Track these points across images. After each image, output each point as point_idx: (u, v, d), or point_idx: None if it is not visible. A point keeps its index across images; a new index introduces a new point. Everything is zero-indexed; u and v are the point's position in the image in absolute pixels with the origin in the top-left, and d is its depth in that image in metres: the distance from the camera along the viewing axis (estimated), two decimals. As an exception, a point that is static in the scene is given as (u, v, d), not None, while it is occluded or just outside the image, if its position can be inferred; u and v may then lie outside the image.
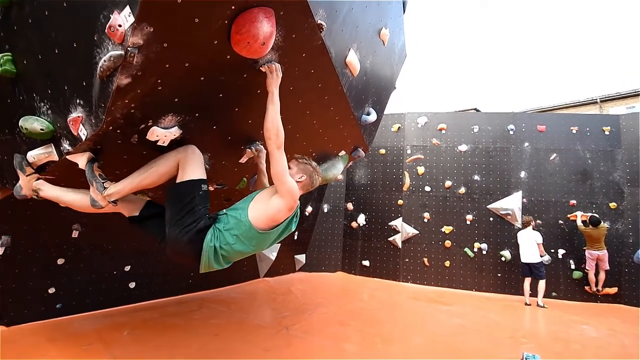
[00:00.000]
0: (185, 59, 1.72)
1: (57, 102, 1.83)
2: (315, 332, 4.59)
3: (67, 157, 1.98)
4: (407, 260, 7.70)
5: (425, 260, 7.53)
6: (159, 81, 1.72)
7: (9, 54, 1.94)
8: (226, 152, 2.41)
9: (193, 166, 2.07)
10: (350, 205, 8.32)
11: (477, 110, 11.38)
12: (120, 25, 1.46)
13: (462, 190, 7.47)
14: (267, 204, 2.11)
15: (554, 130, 7.26)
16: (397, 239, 7.76)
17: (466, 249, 7.31)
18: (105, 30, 1.49)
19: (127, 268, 4.87)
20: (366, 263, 8.00)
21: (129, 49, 1.49)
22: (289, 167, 2.20)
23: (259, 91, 2.18)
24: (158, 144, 2.01)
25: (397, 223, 7.79)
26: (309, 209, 7.95)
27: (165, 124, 1.96)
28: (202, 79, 1.87)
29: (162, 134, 1.96)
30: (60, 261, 4.17)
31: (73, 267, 4.30)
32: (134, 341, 3.93)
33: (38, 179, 2.30)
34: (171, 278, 5.45)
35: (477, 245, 7.26)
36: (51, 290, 4.14)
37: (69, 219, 4.14)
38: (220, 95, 2.05)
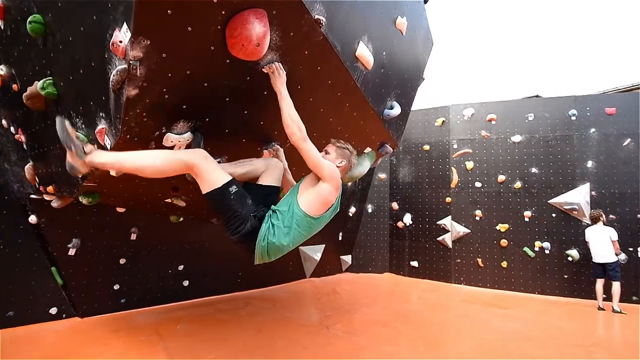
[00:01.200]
0: (185, 67, 1.85)
1: (87, 116, 2.09)
2: (356, 332, 4.55)
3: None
4: (458, 260, 7.29)
5: (479, 260, 7.07)
6: (165, 90, 1.87)
7: (50, 78, 2.26)
8: (243, 154, 2.53)
9: (211, 173, 1.99)
10: (395, 205, 8.12)
11: (539, 97, 10.41)
12: (121, 41, 1.63)
13: (518, 184, 6.89)
14: (317, 191, 2.13)
15: (627, 113, 6.40)
16: (447, 239, 7.39)
17: (526, 249, 6.72)
18: (110, 47, 1.67)
19: (181, 267, 5.28)
20: (415, 264, 7.73)
21: (130, 62, 1.66)
22: (327, 152, 2.30)
23: (265, 92, 2.26)
24: (175, 149, 2.18)
25: (446, 222, 7.42)
26: (352, 209, 7.92)
27: (178, 130, 2.12)
28: (205, 85, 1.99)
29: (176, 139, 2.12)
30: (122, 261, 4.66)
31: (133, 266, 4.78)
32: (186, 335, 4.23)
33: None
34: (221, 277, 5.78)
35: (538, 244, 6.63)
36: (116, 287, 4.64)
37: (127, 223, 4.62)
38: (227, 99, 2.16)
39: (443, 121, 7.69)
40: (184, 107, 2.03)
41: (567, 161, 6.61)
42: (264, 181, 2.38)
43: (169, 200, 3.17)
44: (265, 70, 2.09)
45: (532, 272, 6.66)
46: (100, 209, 4.27)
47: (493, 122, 7.19)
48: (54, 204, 3.22)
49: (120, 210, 4.18)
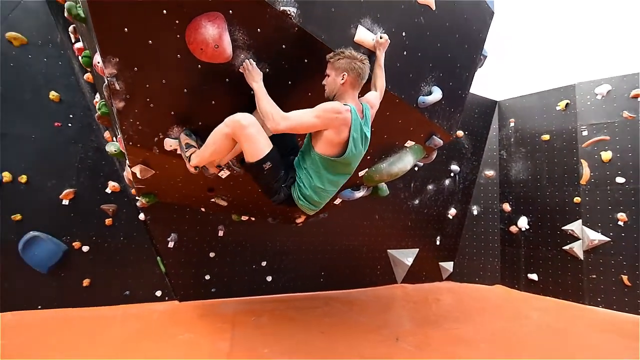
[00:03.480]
0: (159, 77, 2.03)
1: (114, 129, 2.50)
2: (428, 348, 4.08)
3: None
4: (594, 276, 5.73)
5: (625, 278, 5.39)
6: (148, 99, 2.09)
7: (103, 100, 2.79)
8: None
9: (250, 146, 2.01)
10: (507, 206, 6.93)
11: None
12: (98, 62, 1.91)
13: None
14: (320, 135, 2.07)
15: None
16: (577, 248, 5.90)
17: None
18: (95, 69, 1.97)
19: (264, 263, 5.71)
20: (533, 277, 6.42)
21: (107, 79, 1.92)
22: (327, 75, 2.15)
23: (252, 92, 2.27)
24: (178, 152, 2.40)
25: (575, 227, 5.93)
26: (452, 211, 7.13)
27: (175, 134, 2.33)
28: (185, 90, 2.13)
29: (174, 143, 2.34)
30: (211, 254, 5.33)
31: (221, 260, 5.41)
32: (255, 327, 4.55)
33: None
34: (302, 275, 6.00)
35: None
36: (207, 277, 5.33)
37: (215, 222, 5.27)
38: (213, 102, 2.26)
39: (567, 104, 6.23)
40: (172, 112, 2.22)
41: None
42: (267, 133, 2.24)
43: (213, 199, 3.50)
44: (241, 70, 2.11)
45: None
46: (192, 209, 5.01)
47: (640, 98, 5.42)
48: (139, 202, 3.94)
49: (202, 209, 4.80)
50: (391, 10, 2.46)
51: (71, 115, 4.65)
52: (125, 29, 1.79)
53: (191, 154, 2.27)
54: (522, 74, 8.10)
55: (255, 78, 2.08)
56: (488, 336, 4.45)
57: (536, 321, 5.18)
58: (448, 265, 7.24)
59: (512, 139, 7.06)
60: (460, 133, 7.12)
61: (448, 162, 7.10)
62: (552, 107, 6.42)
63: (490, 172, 7.28)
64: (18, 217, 4.30)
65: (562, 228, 6.10)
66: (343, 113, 2.00)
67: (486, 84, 7.64)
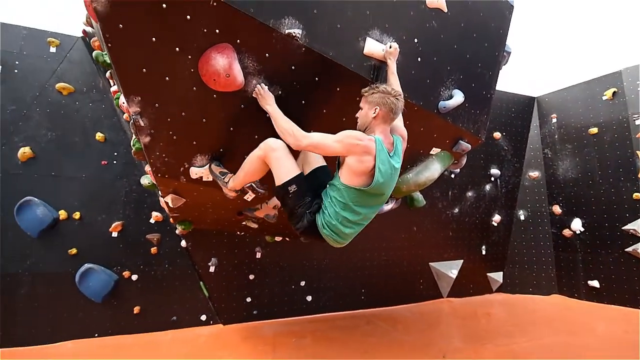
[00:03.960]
0: (179, 110, 2.14)
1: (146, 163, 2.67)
2: (479, 367, 3.82)
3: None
4: (667, 280, 5.10)
5: None
6: (171, 132, 2.21)
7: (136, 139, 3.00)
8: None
9: (277, 168, 2.11)
10: (557, 209, 6.45)
11: None
12: (123, 102, 2.06)
13: None
14: (345, 164, 2.08)
15: None
16: (643, 249, 5.31)
17: None
18: (121, 109, 2.13)
19: (302, 283, 5.69)
20: (594, 284, 5.85)
21: (132, 116, 2.06)
22: (361, 108, 2.18)
23: (267, 115, 2.33)
24: (203, 180, 2.50)
25: (637, 226, 5.38)
26: (497, 217, 6.75)
27: (199, 163, 2.43)
28: (204, 120, 2.24)
29: (199, 171, 2.44)
30: (251, 276, 5.41)
31: (261, 282, 5.47)
32: (296, 348, 4.52)
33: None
34: (343, 293, 5.90)
35: None
36: (248, 300, 5.40)
37: (252, 244, 5.37)
38: (231, 128, 2.34)
39: (614, 92, 5.78)
40: (194, 142, 2.32)
41: None
42: (306, 170, 2.38)
43: (244, 222, 3.57)
44: (253, 96, 2.18)
45: None
46: (229, 233, 5.15)
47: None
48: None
49: (238, 233, 4.92)
50: (400, 19, 2.45)
51: (115, 153, 5.02)
52: (144, 70, 1.93)
53: (229, 179, 2.38)
54: (559, 66, 7.66)
55: (268, 101, 2.14)
56: (546, 352, 4.09)
57: (602, 333, 4.68)
58: (497, 276, 6.80)
59: (556, 136, 6.62)
60: (497, 134, 6.80)
61: (487, 166, 6.78)
62: (597, 97, 5.97)
63: (534, 173, 6.84)
64: (74, 251, 4.65)
65: (622, 228, 5.54)
66: (364, 141, 2.00)
67: (521, 80, 7.29)
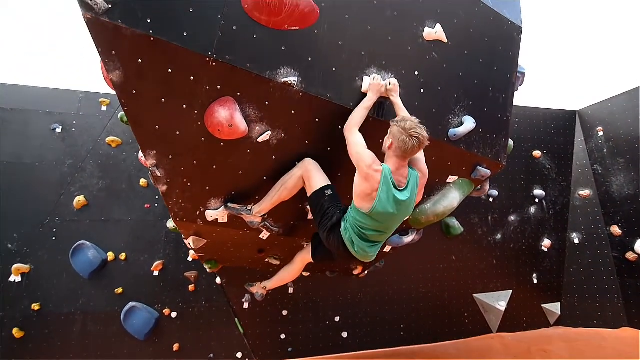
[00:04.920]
0: (191, 160, 2.33)
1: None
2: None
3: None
4: None
5: None
6: (185, 180, 2.39)
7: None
8: (279, 211, 2.69)
9: (314, 178, 2.41)
10: (616, 229, 5.83)
11: None
12: (141, 156, 2.28)
13: None
14: (356, 185, 2.25)
15: None
16: None
17: None
18: (140, 162, 2.35)
19: (337, 318, 5.57)
20: (672, 315, 5.10)
21: (150, 169, 2.27)
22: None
23: (273, 157, 2.45)
24: (219, 222, 2.64)
25: None
26: (547, 242, 6.26)
27: (213, 206, 2.58)
28: (214, 167, 2.40)
29: (214, 214, 2.58)
30: (284, 312, 5.41)
31: (294, 318, 5.44)
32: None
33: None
34: (380, 329, 5.67)
35: None
36: (282, 336, 5.37)
37: (284, 279, 5.42)
38: (240, 172, 2.48)
39: (666, 97, 5.28)
40: (207, 187, 2.48)
41: None
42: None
43: (267, 259, 3.64)
44: (261, 140, 2.31)
45: None
46: (261, 269, 5.25)
47: None
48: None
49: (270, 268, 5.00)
50: (397, 55, 2.51)
51: (157, 197, 5.42)
52: (157, 127, 2.15)
53: (251, 207, 2.56)
54: (599, 77, 7.18)
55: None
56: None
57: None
58: (554, 307, 6.18)
59: (605, 150, 6.11)
60: (537, 153, 6.43)
61: (529, 188, 6.37)
62: (646, 105, 5.49)
63: (585, 192, 6.30)
64: (120, 290, 4.99)
65: (699, 249, 4.86)
66: (373, 166, 2.14)
67: (560, 95, 6.95)
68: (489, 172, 3.00)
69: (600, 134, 6.18)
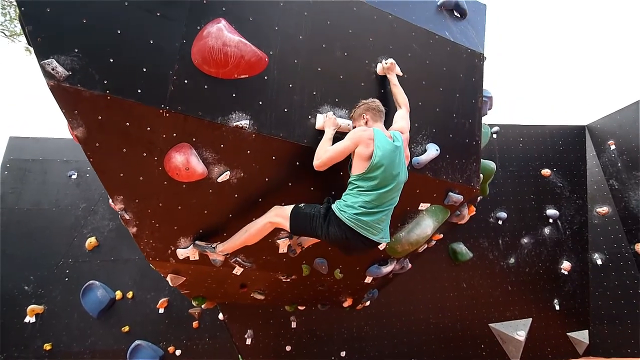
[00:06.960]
0: (156, 202, 2.47)
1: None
2: None
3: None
4: None
5: None
6: (153, 221, 2.53)
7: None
8: (258, 247, 2.75)
9: (283, 212, 2.43)
10: (640, 248, 5.42)
11: None
12: (112, 202, 2.46)
13: None
14: (355, 154, 2.34)
15: None
16: None
17: None
18: (110, 206, 2.53)
19: (343, 353, 5.41)
20: None
21: (119, 212, 2.43)
22: (355, 126, 2.51)
23: (236, 195, 2.56)
24: (190, 259, 2.74)
25: None
26: (566, 264, 5.90)
27: (183, 244, 2.69)
28: (179, 207, 2.53)
29: (185, 252, 2.69)
30: (288, 348, 5.32)
31: (298, 353, 5.33)
32: None
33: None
34: (389, 363, 5.44)
35: None
36: (288, 373, 5.27)
37: (287, 314, 5.37)
38: (205, 211, 2.59)
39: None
40: (175, 227, 2.61)
41: None
42: None
43: (252, 294, 3.66)
44: (222, 180, 2.43)
45: None
46: (264, 307, 5.26)
47: None
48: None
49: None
50: (350, 92, 2.60)
51: (163, 235, 5.65)
52: (121, 174, 2.32)
53: (216, 245, 2.63)
54: (604, 90, 6.94)
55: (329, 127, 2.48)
56: None
57: None
58: (581, 336, 5.71)
59: (619, 164, 5.80)
60: (546, 171, 6.19)
61: (541, 208, 6.10)
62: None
63: (603, 209, 5.94)
64: (126, 328, 5.14)
65: None
66: (367, 130, 2.32)
67: (565, 110, 6.78)
68: (461, 197, 2.95)
69: (612, 147, 5.90)
